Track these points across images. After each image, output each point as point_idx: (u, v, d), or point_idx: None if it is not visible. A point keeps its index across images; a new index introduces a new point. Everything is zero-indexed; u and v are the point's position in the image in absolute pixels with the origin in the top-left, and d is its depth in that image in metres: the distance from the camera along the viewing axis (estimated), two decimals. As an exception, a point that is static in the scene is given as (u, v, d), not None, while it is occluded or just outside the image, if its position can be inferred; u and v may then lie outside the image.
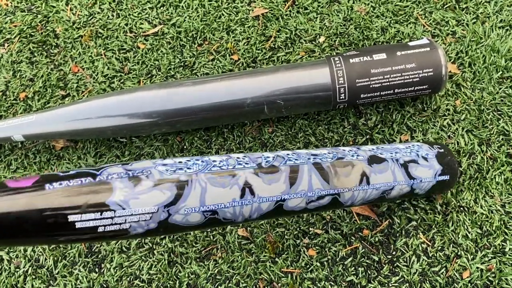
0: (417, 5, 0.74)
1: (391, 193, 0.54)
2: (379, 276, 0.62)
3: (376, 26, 0.74)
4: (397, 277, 0.62)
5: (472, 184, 0.65)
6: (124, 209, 0.40)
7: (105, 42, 0.78)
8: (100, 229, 0.39)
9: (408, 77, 0.62)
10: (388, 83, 0.62)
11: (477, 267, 0.61)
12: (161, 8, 0.79)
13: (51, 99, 0.76)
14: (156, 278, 0.65)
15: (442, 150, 0.60)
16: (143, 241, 0.67)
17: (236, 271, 0.64)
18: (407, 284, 0.62)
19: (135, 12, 0.80)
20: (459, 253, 0.62)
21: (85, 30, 0.79)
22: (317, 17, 0.76)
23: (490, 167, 0.65)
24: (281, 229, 0.66)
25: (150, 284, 0.65)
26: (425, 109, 0.69)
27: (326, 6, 0.76)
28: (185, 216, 0.43)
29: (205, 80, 0.65)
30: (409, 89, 0.63)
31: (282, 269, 0.64)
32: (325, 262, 0.64)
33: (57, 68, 0.78)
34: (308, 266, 0.64)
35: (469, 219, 0.63)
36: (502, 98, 0.68)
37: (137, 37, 0.78)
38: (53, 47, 0.79)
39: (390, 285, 0.62)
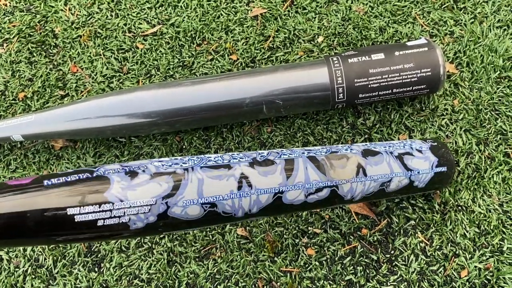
0: (415, 5, 0.75)
1: (390, 185, 0.54)
2: (378, 275, 0.63)
3: (375, 26, 0.74)
4: (396, 276, 0.62)
5: (470, 183, 0.65)
6: (122, 201, 0.40)
7: (104, 42, 0.78)
8: (100, 223, 0.39)
9: (406, 77, 0.62)
10: (387, 83, 0.62)
11: (475, 266, 0.61)
12: (160, 8, 0.80)
13: (50, 99, 0.76)
14: (156, 278, 0.65)
15: (436, 143, 0.60)
16: (142, 240, 0.67)
17: (235, 270, 0.65)
18: (406, 283, 0.62)
19: (133, 12, 0.80)
20: (457, 252, 0.62)
21: (84, 30, 0.79)
22: (315, 17, 0.76)
23: (488, 167, 0.66)
24: (280, 228, 0.66)
25: (150, 284, 0.65)
26: (423, 108, 0.69)
27: (325, 6, 0.76)
28: (184, 209, 0.43)
29: (204, 80, 0.65)
30: (407, 89, 0.63)
31: (281, 268, 0.64)
32: (324, 261, 0.64)
33: (56, 68, 0.78)
34: (307, 265, 0.64)
35: (467, 218, 0.64)
36: (500, 98, 0.68)
37: (136, 37, 0.78)
38: (52, 47, 0.79)
39: (389, 284, 0.62)
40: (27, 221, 0.37)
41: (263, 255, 0.65)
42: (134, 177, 0.41)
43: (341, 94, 0.63)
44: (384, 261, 0.63)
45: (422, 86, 0.63)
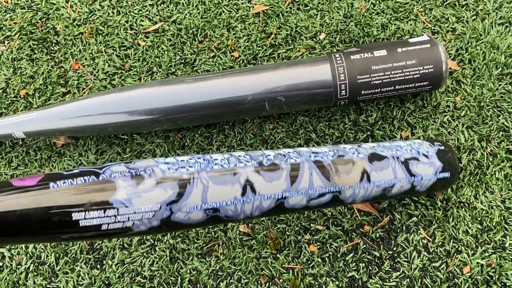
0: (417, 2, 0.75)
1: (391, 190, 0.54)
2: (380, 272, 0.63)
3: (377, 23, 0.74)
4: (398, 273, 0.62)
5: (472, 180, 0.65)
6: (127, 207, 0.40)
7: (106, 39, 0.78)
8: (104, 227, 0.40)
9: (408, 73, 0.62)
10: (389, 80, 0.62)
11: (478, 263, 0.62)
12: (162, 5, 0.79)
13: (51, 96, 0.76)
14: (158, 275, 0.65)
15: (443, 147, 0.60)
16: (144, 237, 0.67)
17: (237, 267, 0.65)
18: (408, 280, 0.62)
19: (135, 9, 0.80)
20: (459, 249, 0.63)
21: (85, 27, 0.79)
22: (317, 14, 0.76)
23: (490, 163, 0.66)
24: (282, 225, 0.66)
25: (152, 281, 0.65)
26: (426, 105, 0.69)
27: (327, 3, 0.76)
28: (187, 214, 0.43)
29: (206, 77, 0.65)
30: (410, 85, 0.63)
31: (284, 265, 0.64)
32: (326, 258, 0.64)
33: (57, 65, 0.78)
34: (309, 262, 0.64)
35: (469, 215, 0.64)
36: (502, 95, 0.68)
37: (137, 34, 0.78)
38: (53, 44, 0.79)
39: (391, 280, 0.62)
40: (31, 223, 0.37)
41: (266, 252, 0.65)
42: (140, 182, 0.41)
43: (344, 91, 0.63)
44: (387, 257, 0.63)
45: (425, 83, 0.63)
